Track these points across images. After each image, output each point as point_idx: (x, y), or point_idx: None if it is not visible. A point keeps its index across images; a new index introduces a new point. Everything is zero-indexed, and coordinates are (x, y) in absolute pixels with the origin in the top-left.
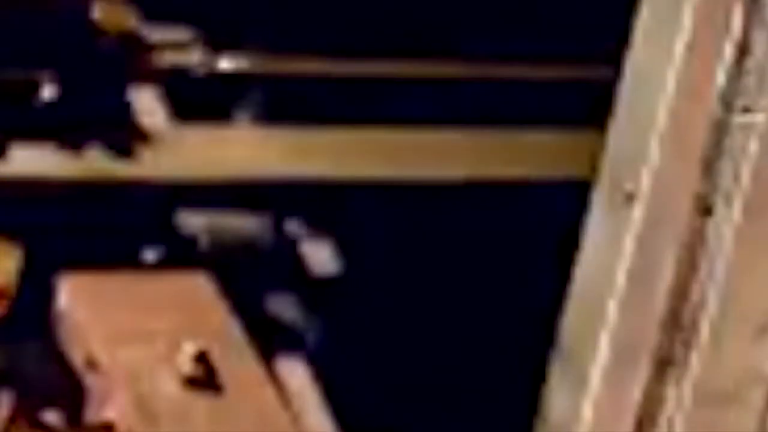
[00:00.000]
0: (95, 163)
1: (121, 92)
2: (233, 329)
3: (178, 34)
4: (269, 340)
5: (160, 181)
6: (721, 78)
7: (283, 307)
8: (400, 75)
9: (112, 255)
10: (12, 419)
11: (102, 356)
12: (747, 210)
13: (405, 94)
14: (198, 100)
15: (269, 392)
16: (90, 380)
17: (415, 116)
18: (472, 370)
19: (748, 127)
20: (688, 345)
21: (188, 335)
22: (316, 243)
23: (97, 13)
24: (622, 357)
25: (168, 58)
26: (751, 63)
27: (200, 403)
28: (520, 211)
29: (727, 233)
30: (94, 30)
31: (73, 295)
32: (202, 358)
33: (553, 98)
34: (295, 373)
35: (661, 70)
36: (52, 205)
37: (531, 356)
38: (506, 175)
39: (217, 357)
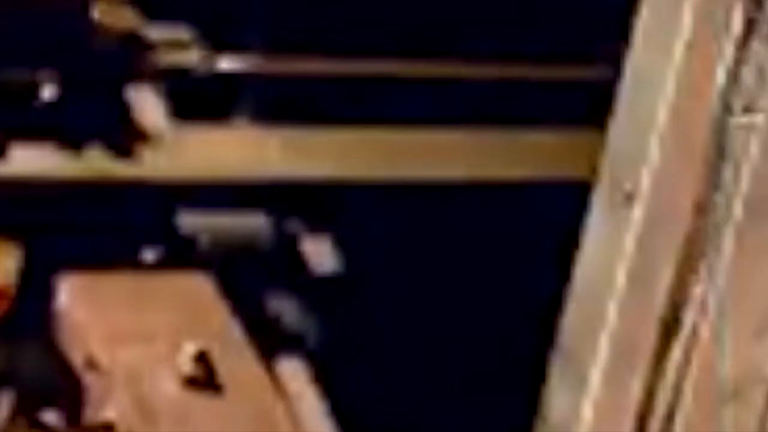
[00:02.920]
0: (95, 163)
1: (121, 92)
2: (233, 329)
3: (178, 34)
4: (269, 340)
5: (160, 181)
6: (721, 78)
7: (283, 307)
8: (400, 75)
9: (112, 255)
10: (12, 419)
11: (102, 356)
12: (747, 210)
13: (405, 94)
14: (198, 100)
15: (269, 392)
16: (90, 380)
17: (415, 116)
18: (472, 370)
19: (748, 127)
20: (688, 345)
21: (188, 335)
22: (316, 243)
23: (97, 13)
24: (622, 357)
25: (168, 58)
26: (751, 63)
27: (200, 403)
28: (520, 211)
29: (727, 233)
30: (94, 30)
31: (73, 295)
32: (202, 358)
33: (553, 98)
34: (295, 373)
35: (661, 70)
36: (52, 205)
37: (531, 356)
38: (506, 175)
39: (217, 357)
